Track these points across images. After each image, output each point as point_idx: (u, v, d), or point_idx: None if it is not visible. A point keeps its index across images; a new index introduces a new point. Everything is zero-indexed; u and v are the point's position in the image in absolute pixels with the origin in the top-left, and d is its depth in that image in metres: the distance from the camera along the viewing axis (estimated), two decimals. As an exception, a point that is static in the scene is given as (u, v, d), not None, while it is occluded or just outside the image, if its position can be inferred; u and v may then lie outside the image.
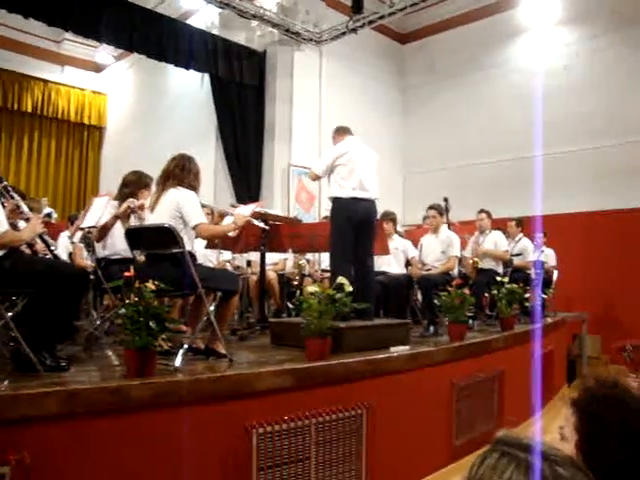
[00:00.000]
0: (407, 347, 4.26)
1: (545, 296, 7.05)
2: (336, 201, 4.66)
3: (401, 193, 11.52)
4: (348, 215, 4.58)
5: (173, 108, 11.27)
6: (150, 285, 2.83)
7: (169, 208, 3.66)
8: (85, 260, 5.73)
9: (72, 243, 6.07)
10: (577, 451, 1.31)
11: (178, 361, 3.15)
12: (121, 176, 4.61)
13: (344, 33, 9.58)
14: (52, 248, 3.62)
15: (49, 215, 9.04)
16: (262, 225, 5.23)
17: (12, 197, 3.49)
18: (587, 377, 1.95)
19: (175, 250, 3.47)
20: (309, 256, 7.66)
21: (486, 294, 6.45)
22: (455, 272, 6.04)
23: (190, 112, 10.74)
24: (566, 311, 8.34)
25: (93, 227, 4.53)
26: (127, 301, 2.80)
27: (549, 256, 7.89)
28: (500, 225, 7.21)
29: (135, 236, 3.72)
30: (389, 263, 6.34)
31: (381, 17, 9.22)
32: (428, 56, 11.36)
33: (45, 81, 12.76)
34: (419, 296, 6.45)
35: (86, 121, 13.46)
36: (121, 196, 4.39)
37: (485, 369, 4.85)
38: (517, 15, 10.10)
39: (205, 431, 2.81)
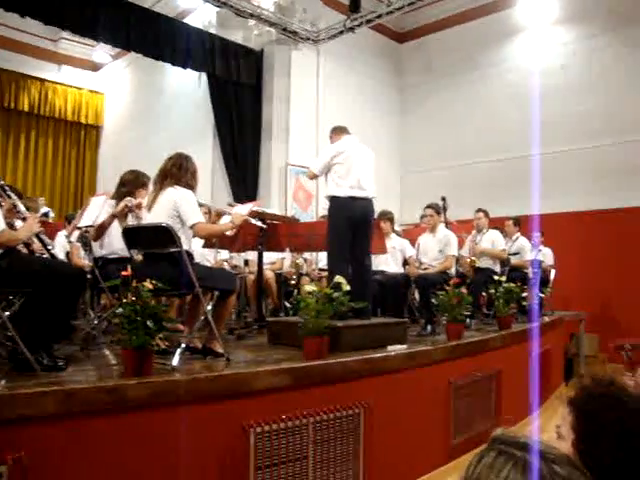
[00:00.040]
0: (404, 346, 4.27)
1: (542, 295, 7.07)
2: (333, 200, 4.65)
3: (399, 192, 11.53)
4: (345, 214, 4.58)
5: (170, 107, 11.26)
6: (147, 284, 2.83)
7: (166, 207, 3.65)
8: (82, 259, 5.72)
9: (69, 242, 6.06)
10: (574, 450, 1.31)
11: (175, 360, 3.14)
12: (118, 175, 4.60)
13: (341, 32, 9.58)
14: (49, 247, 3.61)
15: (46, 214, 9.02)
16: (259, 224, 5.22)
17: (9, 196, 3.49)
18: (584, 376, 1.95)
19: (172, 249, 3.47)
20: (307, 255, 7.66)
21: (483, 293, 6.46)
22: (452, 271, 6.04)
23: (187, 111, 10.73)
24: (563, 310, 8.35)
25: (90, 226, 4.52)
26: (124, 300, 2.80)
27: (546, 255, 7.91)
28: (497, 224, 7.22)
29: (132, 235, 3.71)
30: (387, 262, 6.35)
31: (378, 16, 9.22)
32: (425, 55, 11.37)
33: (42, 80, 12.73)
34: (416, 295, 6.46)
35: (83, 120, 13.44)
36: (118, 195, 4.38)
37: (482, 368, 4.86)
38: (514, 14, 10.11)
39: (203, 430, 2.80)
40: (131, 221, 4.19)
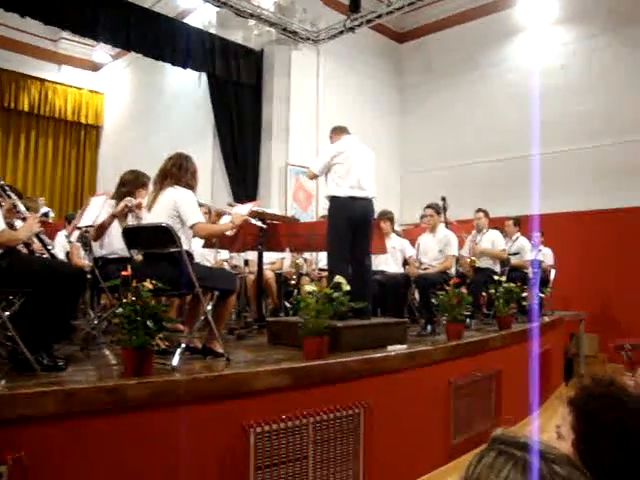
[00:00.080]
0: (404, 346, 4.27)
1: (542, 295, 7.07)
2: (333, 200, 4.65)
3: (399, 192, 11.53)
4: (345, 214, 4.58)
5: (170, 107, 11.26)
6: (147, 284, 2.83)
7: (166, 207, 3.65)
8: (82, 259, 5.72)
9: (69, 242, 6.06)
10: (574, 450, 1.31)
11: (175, 360, 3.14)
12: (118, 175, 4.60)
13: (341, 32, 9.58)
14: (49, 248, 3.61)
15: (46, 214, 9.01)
16: (259, 224, 5.22)
17: (9, 196, 3.49)
18: (584, 376, 1.95)
19: (172, 249, 3.47)
20: (307, 255, 7.66)
21: (483, 293, 6.46)
22: (453, 271, 6.04)
23: (187, 111, 10.73)
24: (563, 310, 8.36)
25: (90, 226, 4.52)
26: (124, 300, 2.80)
27: (546, 255, 7.90)
28: (497, 224, 7.22)
29: (132, 235, 3.71)
30: (387, 262, 6.35)
31: (378, 16, 9.22)
32: (425, 55, 11.37)
33: (42, 80, 12.73)
34: (416, 295, 6.46)
35: (83, 120, 13.44)
36: (118, 195, 4.38)
37: (482, 368, 4.86)
38: (514, 14, 10.11)
39: (202, 430, 2.80)
40: (131, 221, 4.19)
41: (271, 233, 5.72)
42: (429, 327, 5.42)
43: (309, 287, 3.77)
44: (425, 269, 6.05)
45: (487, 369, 4.92)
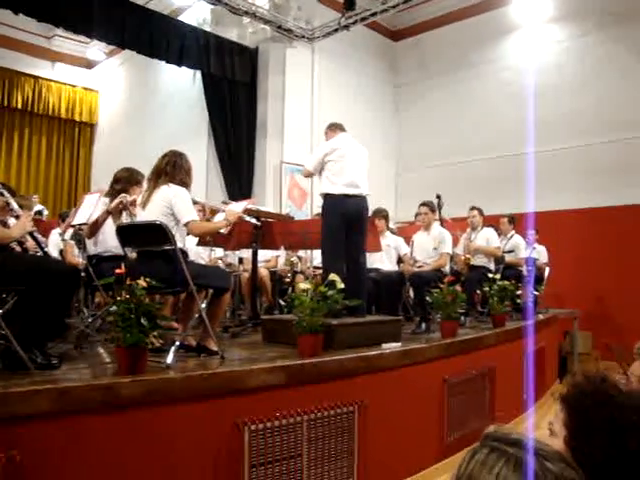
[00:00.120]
0: (399, 344, 4.27)
1: (537, 293, 7.08)
2: (327, 198, 4.65)
3: (393, 190, 11.53)
4: (339, 212, 4.57)
5: (165, 105, 11.24)
6: (141, 282, 2.83)
7: (160, 205, 3.64)
8: (76, 257, 5.71)
9: (63, 240, 6.05)
10: (566, 446, 1.32)
11: (170, 358, 3.14)
12: (112, 173, 4.58)
13: (336, 30, 9.58)
14: (43, 246, 3.60)
15: (40, 212, 9.01)
16: (254, 222, 5.22)
17: (2, 194, 3.47)
18: (576, 373, 1.96)
19: (167, 247, 3.46)
20: (301, 253, 7.66)
21: (478, 291, 6.47)
22: (447, 269, 6.05)
23: (182, 109, 10.71)
24: (558, 308, 8.38)
25: (84, 224, 4.50)
26: (118, 298, 2.79)
27: (541, 253, 7.93)
28: (492, 222, 7.22)
29: (126, 233, 3.70)
30: (381, 260, 6.35)
31: (373, 14, 9.22)
32: (421, 53, 11.37)
33: (36, 77, 12.69)
34: (411, 293, 6.47)
35: (77, 118, 13.40)
36: (112, 192, 4.37)
37: (477, 366, 4.87)
38: (509, 12, 10.12)
39: (197, 428, 2.80)
40: (125, 219, 4.18)
41: (266, 231, 5.71)
42: (423, 325, 5.42)
43: (303, 285, 3.77)
44: (420, 267, 6.05)
45: (481, 367, 4.93)
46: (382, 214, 6.48)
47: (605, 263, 8.62)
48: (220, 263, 6.61)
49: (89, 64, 13.51)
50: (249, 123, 9.77)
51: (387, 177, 11.34)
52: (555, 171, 9.09)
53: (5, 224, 3.51)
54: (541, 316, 7.15)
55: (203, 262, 6.02)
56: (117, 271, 2.93)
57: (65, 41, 12.84)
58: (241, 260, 6.84)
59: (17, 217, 3.39)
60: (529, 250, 7.22)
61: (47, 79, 12.90)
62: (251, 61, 9.86)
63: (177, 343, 3.37)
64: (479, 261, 6.57)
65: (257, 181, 9.74)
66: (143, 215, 3.77)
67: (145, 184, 4.12)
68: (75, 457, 2.41)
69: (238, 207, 4.51)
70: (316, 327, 3.59)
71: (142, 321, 2.75)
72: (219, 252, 6.66)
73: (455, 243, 6.57)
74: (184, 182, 3.79)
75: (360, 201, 4.68)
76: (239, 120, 9.68)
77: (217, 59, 9.34)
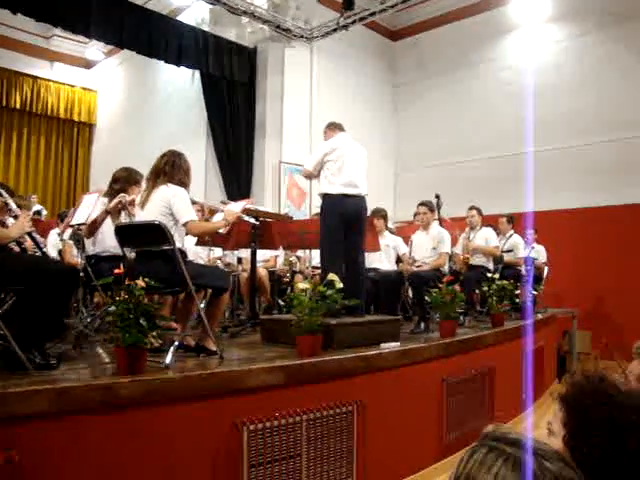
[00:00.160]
0: (398, 343, 4.27)
1: (536, 292, 7.08)
2: (326, 197, 4.65)
3: (392, 190, 11.54)
4: (338, 211, 4.57)
5: (163, 105, 11.24)
6: (140, 282, 2.82)
7: (159, 205, 3.64)
8: (75, 257, 5.70)
9: (62, 240, 6.04)
10: (565, 446, 1.31)
11: (168, 358, 3.13)
12: (111, 173, 4.58)
13: (335, 30, 9.59)
14: (41, 246, 3.59)
15: (39, 212, 9.01)
16: (253, 221, 5.21)
17: (0, 194, 3.47)
18: (575, 373, 1.96)
19: (165, 247, 3.45)
20: (300, 253, 7.66)
21: (477, 290, 6.47)
22: (446, 269, 6.05)
23: (180, 109, 10.71)
24: (557, 307, 8.39)
25: (83, 224, 4.49)
26: (117, 298, 2.79)
27: (540, 252, 7.92)
28: (491, 222, 7.23)
29: (125, 233, 3.70)
30: (380, 260, 6.35)
31: (372, 14, 9.23)
32: (419, 53, 11.38)
33: (34, 77, 12.69)
34: (410, 293, 6.47)
35: (76, 118, 13.40)
36: (111, 192, 4.36)
37: (476, 365, 4.87)
38: (508, 12, 10.13)
39: (196, 428, 2.80)
40: (124, 219, 4.17)
41: (264, 231, 5.71)
42: (422, 324, 5.42)
43: (302, 285, 3.77)
44: (418, 267, 6.05)
45: (480, 366, 4.93)
46: (381, 214, 6.48)
47: (604, 263, 8.62)
48: (219, 263, 6.61)
49: (88, 64, 13.50)
50: (248, 123, 9.77)
51: (386, 177, 11.34)
52: (554, 171, 9.10)
53: (4, 224, 3.50)
54: (540, 316, 7.15)
55: (202, 262, 6.02)
56: (116, 271, 2.93)
57: (64, 41, 12.84)
58: (240, 260, 6.83)
59: (16, 217, 3.39)
60: (528, 250, 7.22)
61: (46, 79, 12.90)
62: (250, 61, 9.87)
63: (176, 343, 3.36)
64: (478, 261, 6.57)
65: (256, 181, 9.74)
66: (142, 215, 3.76)
67: (144, 184, 4.11)
68: (74, 457, 2.41)
69: (237, 207, 4.51)
70: (315, 327, 3.59)
71: (141, 321, 2.75)
72: (218, 252, 6.66)
73: (454, 243, 6.57)
74: (183, 182, 3.79)
75: (359, 201, 4.68)
76: (238, 120, 9.68)
77: (216, 59, 9.34)
